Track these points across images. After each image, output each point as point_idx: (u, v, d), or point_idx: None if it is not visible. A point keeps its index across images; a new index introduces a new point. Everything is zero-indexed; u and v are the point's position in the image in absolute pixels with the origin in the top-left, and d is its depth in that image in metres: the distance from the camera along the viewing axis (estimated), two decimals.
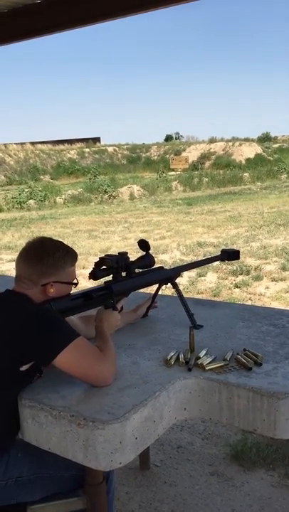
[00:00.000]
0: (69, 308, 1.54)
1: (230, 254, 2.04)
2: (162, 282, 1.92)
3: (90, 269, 1.69)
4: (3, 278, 4.59)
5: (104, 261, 1.68)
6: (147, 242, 1.79)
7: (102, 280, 1.75)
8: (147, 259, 1.81)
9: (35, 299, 1.48)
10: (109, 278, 1.73)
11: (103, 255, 1.73)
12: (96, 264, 1.68)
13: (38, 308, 1.45)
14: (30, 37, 3.13)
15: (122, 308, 1.76)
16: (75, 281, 1.57)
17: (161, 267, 1.93)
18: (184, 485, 2.29)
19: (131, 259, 1.77)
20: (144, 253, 1.81)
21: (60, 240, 1.62)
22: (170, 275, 1.91)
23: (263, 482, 2.28)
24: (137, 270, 1.80)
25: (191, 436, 2.69)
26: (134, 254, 1.81)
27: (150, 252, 1.82)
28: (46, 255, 1.50)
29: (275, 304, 5.10)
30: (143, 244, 1.79)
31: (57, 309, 1.48)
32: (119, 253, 1.74)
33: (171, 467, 2.43)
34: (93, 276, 1.64)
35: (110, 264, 1.68)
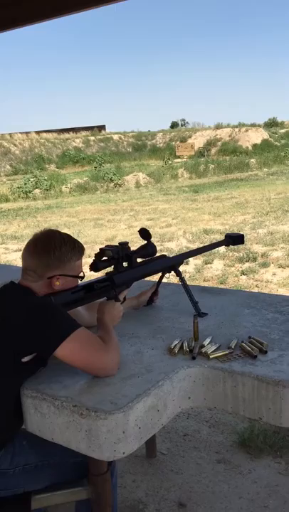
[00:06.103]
0: (70, 301, 1.52)
1: (234, 239, 2.02)
2: (165, 271, 1.90)
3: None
4: (10, 268, 4.59)
5: (104, 252, 1.66)
6: (148, 231, 1.76)
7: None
8: (149, 248, 1.78)
9: (39, 293, 1.47)
10: (111, 269, 1.71)
11: (104, 246, 1.71)
12: (96, 255, 1.65)
13: (39, 300, 1.44)
14: (29, 23, 3.07)
15: (124, 299, 1.73)
16: (81, 274, 1.56)
17: (164, 255, 1.90)
18: (191, 473, 2.29)
19: (133, 249, 1.74)
20: (146, 242, 1.78)
21: (67, 230, 1.60)
22: (173, 263, 1.89)
23: (270, 469, 2.27)
24: (139, 260, 1.77)
25: (197, 424, 2.69)
26: (140, 242, 1.78)
27: (154, 240, 1.79)
28: (53, 248, 1.48)
29: (282, 291, 5.07)
30: (144, 233, 1.76)
31: (58, 303, 1.46)
32: (119, 243, 1.71)
33: (178, 455, 2.43)
34: (94, 268, 1.62)
35: (111, 255, 1.66)
